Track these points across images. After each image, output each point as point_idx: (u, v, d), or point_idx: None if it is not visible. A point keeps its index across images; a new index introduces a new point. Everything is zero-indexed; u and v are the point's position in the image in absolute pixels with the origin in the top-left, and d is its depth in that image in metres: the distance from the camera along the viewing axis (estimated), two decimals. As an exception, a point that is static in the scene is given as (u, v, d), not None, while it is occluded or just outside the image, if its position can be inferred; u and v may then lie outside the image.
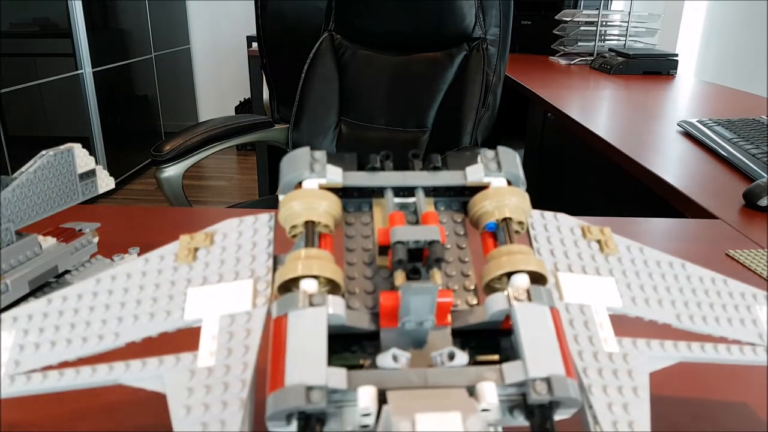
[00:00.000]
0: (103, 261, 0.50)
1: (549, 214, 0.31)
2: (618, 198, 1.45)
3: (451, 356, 0.23)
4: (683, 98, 1.48)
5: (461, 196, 0.29)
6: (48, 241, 0.45)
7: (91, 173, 0.48)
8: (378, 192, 0.29)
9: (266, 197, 1.91)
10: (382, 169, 0.30)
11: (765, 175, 0.78)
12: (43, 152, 0.44)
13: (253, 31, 1.79)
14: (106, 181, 0.50)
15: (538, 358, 0.22)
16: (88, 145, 2.83)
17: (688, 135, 1.05)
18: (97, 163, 0.49)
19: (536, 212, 0.31)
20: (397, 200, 0.29)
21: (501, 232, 0.27)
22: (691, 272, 0.31)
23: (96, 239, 0.49)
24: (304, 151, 0.29)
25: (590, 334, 0.26)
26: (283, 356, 0.22)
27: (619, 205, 1.43)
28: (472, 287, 0.27)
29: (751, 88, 1.67)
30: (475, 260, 0.28)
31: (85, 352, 0.26)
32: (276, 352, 0.22)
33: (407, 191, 0.29)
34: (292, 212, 0.27)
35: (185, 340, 0.27)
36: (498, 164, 0.28)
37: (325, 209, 0.27)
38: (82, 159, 0.47)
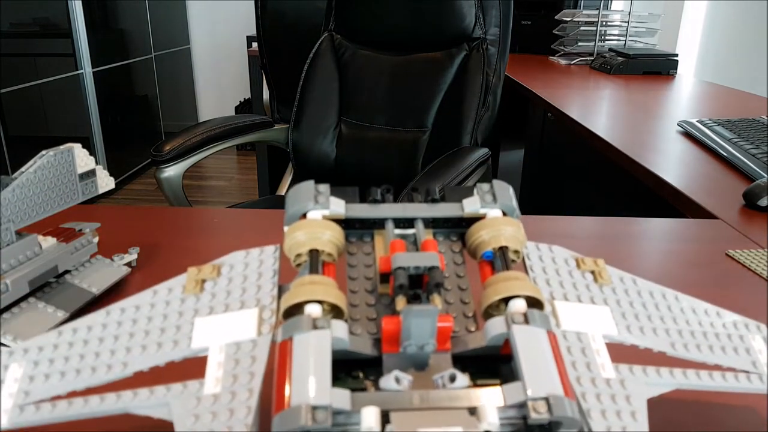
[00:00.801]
0: (103, 261, 0.50)
1: (544, 246, 0.32)
2: (618, 198, 1.45)
3: (453, 378, 0.23)
4: (683, 98, 1.48)
5: (459, 228, 0.31)
6: (48, 241, 0.45)
7: (91, 173, 0.48)
8: (379, 223, 0.30)
9: (266, 197, 1.91)
10: (383, 201, 0.31)
11: (765, 175, 0.78)
12: (43, 152, 0.44)
13: (253, 31, 1.79)
14: (106, 181, 0.50)
15: (536, 378, 0.22)
16: (88, 145, 2.83)
17: (688, 135, 1.05)
18: (97, 163, 0.49)
19: (531, 244, 0.32)
20: (398, 231, 0.31)
21: (498, 260, 0.28)
22: (684, 303, 0.31)
23: (96, 239, 0.49)
24: (308, 184, 0.30)
25: (588, 360, 0.26)
26: (288, 378, 0.22)
27: (619, 205, 1.43)
28: (471, 314, 0.27)
29: (751, 88, 1.67)
30: (474, 289, 0.29)
31: (94, 382, 0.26)
32: (281, 374, 0.23)
33: (407, 222, 0.30)
34: (297, 241, 0.28)
35: (193, 368, 0.27)
36: (493, 196, 0.30)
37: (329, 238, 0.28)
38: (82, 159, 0.47)
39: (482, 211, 0.30)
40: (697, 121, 1.06)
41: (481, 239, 0.29)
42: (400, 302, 0.26)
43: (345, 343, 0.24)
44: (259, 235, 0.63)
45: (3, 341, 0.39)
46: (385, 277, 0.28)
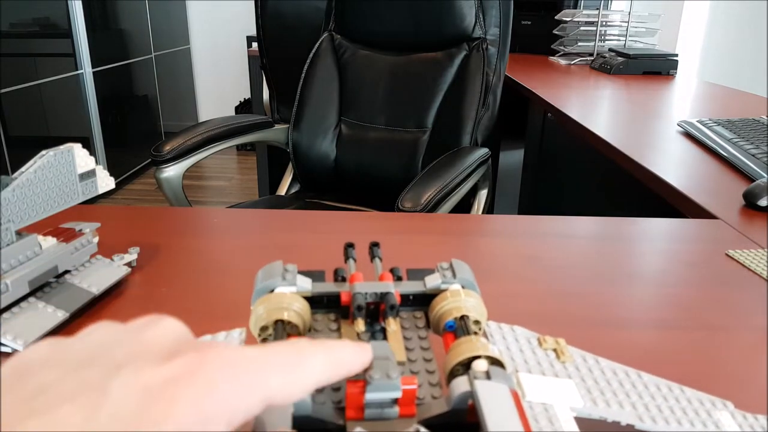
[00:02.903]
0: (103, 261, 0.50)
1: (506, 326, 0.34)
2: (618, 198, 1.45)
3: None
4: (683, 98, 1.48)
5: (422, 305, 0.32)
6: (48, 241, 0.45)
7: (91, 173, 0.48)
8: (344, 311, 0.31)
9: (266, 197, 1.91)
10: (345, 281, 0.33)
11: (765, 175, 0.78)
12: (43, 152, 0.44)
13: (253, 31, 1.79)
14: (106, 181, 0.50)
15: (500, 428, 0.22)
16: (88, 145, 2.83)
17: (688, 135, 1.05)
18: (97, 163, 0.49)
19: (493, 323, 0.34)
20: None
21: (460, 330, 0.29)
22: (647, 380, 0.32)
23: (96, 239, 0.49)
24: (277, 264, 0.31)
25: (554, 429, 0.27)
26: None
27: (619, 205, 1.43)
28: (436, 381, 0.28)
29: (751, 88, 1.67)
30: (439, 362, 0.29)
31: None
32: None
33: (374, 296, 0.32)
34: (261, 314, 0.29)
35: None
36: (453, 273, 0.32)
37: (295, 310, 0.29)
38: (82, 159, 0.47)
39: (443, 286, 0.31)
40: (697, 121, 1.06)
41: (442, 310, 0.30)
42: (359, 323, 0.29)
43: (307, 405, 0.24)
44: (259, 235, 0.63)
45: (3, 341, 0.39)
46: (346, 313, 0.30)
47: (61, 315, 0.43)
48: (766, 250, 0.60)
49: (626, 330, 0.45)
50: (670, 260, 0.58)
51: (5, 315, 0.41)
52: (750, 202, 0.71)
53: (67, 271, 0.47)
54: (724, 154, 0.90)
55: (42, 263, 0.43)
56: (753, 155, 0.86)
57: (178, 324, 0.22)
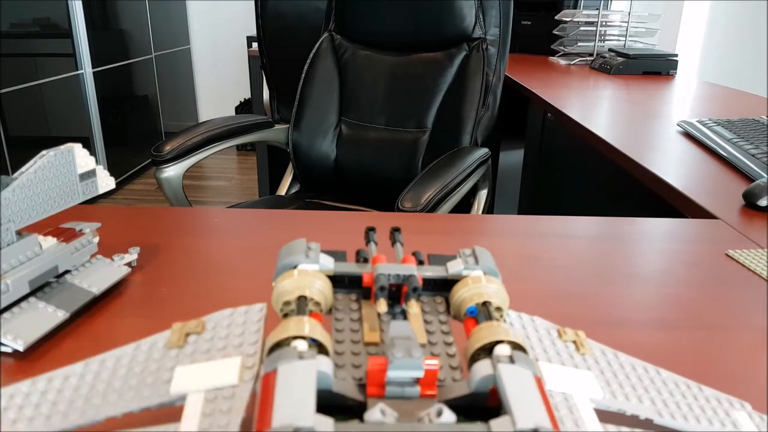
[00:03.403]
0: (104, 261, 0.50)
1: (526, 316, 0.34)
2: (618, 198, 1.45)
3: (439, 413, 0.23)
4: (683, 98, 1.48)
5: (443, 291, 0.32)
6: (48, 241, 0.45)
7: (91, 173, 0.48)
8: (366, 292, 0.31)
9: (267, 197, 1.91)
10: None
11: (765, 175, 0.78)
12: (44, 152, 0.44)
13: (253, 31, 1.79)
14: (106, 181, 0.50)
15: (524, 411, 0.22)
16: (88, 145, 2.83)
17: (688, 135, 1.05)
18: (97, 163, 0.49)
19: (513, 313, 0.34)
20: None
21: (481, 315, 0.29)
22: (665, 377, 0.32)
23: (96, 239, 0.50)
24: (300, 241, 0.32)
25: (575, 418, 0.26)
26: (271, 404, 0.22)
27: (619, 205, 1.43)
28: (457, 365, 0.28)
29: (751, 88, 1.67)
30: (460, 347, 0.30)
31: (66, 426, 0.26)
32: (264, 404, 0.22)
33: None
34: (285, 289, 0.29)
35: (171, 415, 0.27)
36: (475, 259, 0.32)
37: (318, 287, 0.29)
38: (83, 159, 0.47)
39: (465, 272, 0.31)
40: (697, 121, 1.06)
41: (464, 295, 0.30)
42: (382, 304, 0.29)
43: (329, 379, 0.24)
44: (259, 235, 0.63)
45: (3, 341, 0.39)
46: (368, 293, 0.30)
47: (61, 315, 0.43)
48: (766, 250, 0.60)
49: (626, 330, 0.45)
50: (669, 260, 0.58)
51: (5, 315, 0.41)
52: (750, 202, 0.71)
53: (67, 271, 0.47)
54: (724, 154, 0.91)
55: (42, 263, 0.43)
56: (753, 155, 0.86)
57: None
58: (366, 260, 0.33)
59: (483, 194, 1.31)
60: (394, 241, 0.35)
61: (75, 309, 0.44)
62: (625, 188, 1.37)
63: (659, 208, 0.83)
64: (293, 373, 0.23)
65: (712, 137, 0.97)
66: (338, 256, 0.32)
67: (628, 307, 0.49)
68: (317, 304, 0.29)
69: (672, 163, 0.88)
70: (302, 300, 0.28)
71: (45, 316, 0.42)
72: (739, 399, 0.31)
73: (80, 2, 2.68)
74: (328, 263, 0.31)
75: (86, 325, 0.44)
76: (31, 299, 0.43)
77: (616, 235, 0.65)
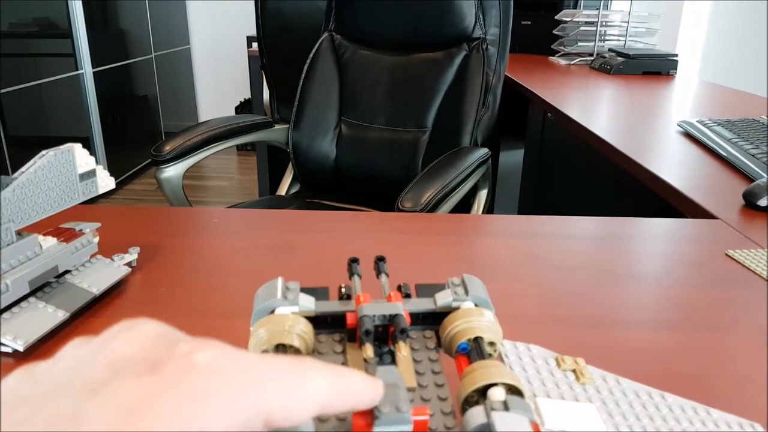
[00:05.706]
0: (104, 261, 0.50)
1: (522, 345, 0.32)
2: (618, 198, 1.45)
3: None
4: (683, 98, 1.48)
5: (433, 324, 0.30)
6: (48, 241, 0.45)
7: (91, 173, 0.48)
8: (350, 332, 0.29)
9: (266, 197, 1.91)
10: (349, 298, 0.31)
11: (765, 175, 0.78)
12: (44, 152, 0.44)
13: (253, 31, 1.79)
14: (106, 181, 0.50)
15: None
16: (88, 145, 2.83)
17: (688, 135, 1.05)
18: (97, 163, 0.49)
19: (508, 342, 0.32)
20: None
21: (474, 352, 0.27)
22: (671, 402, 0.30)
23: (96, 239, 0.50)
24: (277, 282, 0.30)
25: None
26: None
27: (619, 205, 1.43)
28: (449, 410, 0.26)
29: (751, 88, 1.67)
30: (452, 388, 0.27)
31: None
32: None
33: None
34: (261, 339, 0.27)
35: None
36: (465, 289, 0.30)
37: (297, 333, 0.27)
38: (83, 159, 0.47)
39: (455, 304, 0.29)
40: (697, 121, 1.06)
41: (455, 331, 0.28)
42: (368, 349, 0.26)
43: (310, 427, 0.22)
44: (259, 235, 0.63)
45: (3, 341, 0.39)
46: (353, 336, 0.28)
47: (61, 315, 0.43)
48: (766, 250, 0.60)
49: (625, 330, 0.45)
50: (669, 260, 0.58)
51: (5, 315, 0.41)
52: (750, 202, 0.71)
53: (67, 271, 0.47)
54: (724, 154, 0.90)
55: (42, 263, 0.43)
56: (753, 155, 0.86)
57: (156, 326, 0.20)
58: (349, 297, 0.30)
59: (483, 194, 1.31)
60: (378, 272, 0.33)
61: (75, 309, 0.44)
62: (625, 188, 1.37)
63: (659, 208, 0.83)
64: None
65: (712, 137, 0.97)
66: (319, 293, 0.30)
67: (628, 307, 0.49)
68: (297, 351, 0.27)
69: (672, 163, 0.88)
70: (281, 349, 0.27)
71: (45, 316, 0.42)
72: (750, 420, 0.30)
73: (80, 2, 2.67)
74: (309, 304, 0.29)
75: (86, 325, 0.44)
76: (31, 299, 0.43)
77: (616, 235, 0.65)
